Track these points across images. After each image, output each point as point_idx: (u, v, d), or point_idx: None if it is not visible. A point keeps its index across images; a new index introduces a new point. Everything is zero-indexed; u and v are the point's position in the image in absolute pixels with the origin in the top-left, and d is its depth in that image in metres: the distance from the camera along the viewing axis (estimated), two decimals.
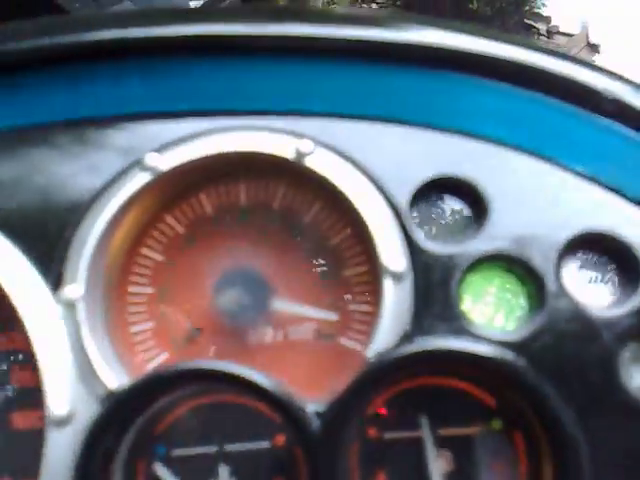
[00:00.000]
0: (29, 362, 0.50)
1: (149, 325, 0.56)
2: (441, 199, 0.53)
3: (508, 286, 0.51)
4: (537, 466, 0.49)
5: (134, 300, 0.56)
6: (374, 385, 0.48)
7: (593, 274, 0.52)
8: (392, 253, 0.50)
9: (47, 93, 0.56)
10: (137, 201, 0.54)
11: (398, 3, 11.38)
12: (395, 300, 0.49)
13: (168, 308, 0.56)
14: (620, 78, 0.55)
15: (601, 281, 0.51)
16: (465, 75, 0.54)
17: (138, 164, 0.53)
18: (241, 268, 0.56)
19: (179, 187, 0.56)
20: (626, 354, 0.48)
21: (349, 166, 0.52)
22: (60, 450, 0.48)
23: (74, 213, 0.52)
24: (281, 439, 0.51)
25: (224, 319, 0.55)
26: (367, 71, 0.55)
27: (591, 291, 0.51)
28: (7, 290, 0.50)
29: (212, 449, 0.51)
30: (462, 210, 0.53)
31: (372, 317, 0.51)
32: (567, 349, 0.48)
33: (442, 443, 0.50)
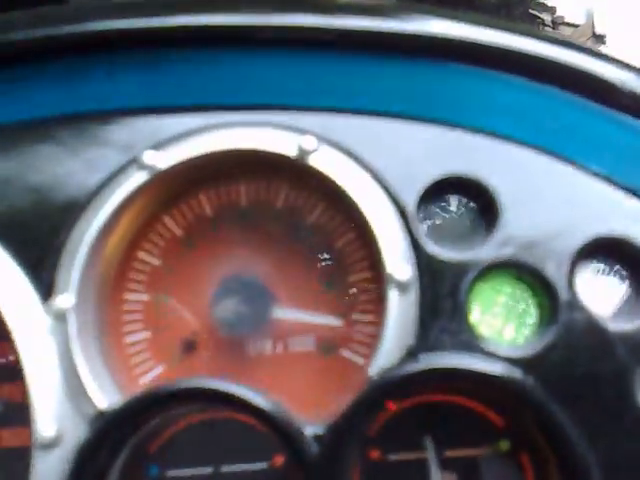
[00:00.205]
0: (19, 376, 0.48)
1: (145, 335, 0.54)
2: (449, 200, 0.51)
3: (518, 296, 0.49)
4: None
5: (129, 308, 0.54)
6: (375, 406, 0.46)
7: (607, 282, 0.49)
8: (397, 260, 0.48)
9: (39, 87, 0.54)
10: (133, 202, 0.51)
11: None
12: (400, 312, 0.47)
13: (164, 317, 0.54)
14: (637, 71, 0.52)
15: (615, 290, 0.49)
16: (474, 68, 0.52)
17: (135, 162, 0.51)
18: (241, 275, 0.54)
19: (177, 187, 0.54)
20: None
21: (353, 164, 0.50)
22: (47, 474, 0.46)
23: (67, 215, 0.50)
24: (279, 459, 0.49)
25: (223, 329, 0.53)
26: (372, 64, 0.53)
27: (605, 301, 0.48)
28: None
29: (207, 470, 0.49)
30: (471, 212, 0.51)
31: (376, 327, 0.49)
32: (580, 365, 0.46)
33: (447, 464, 0.48)
